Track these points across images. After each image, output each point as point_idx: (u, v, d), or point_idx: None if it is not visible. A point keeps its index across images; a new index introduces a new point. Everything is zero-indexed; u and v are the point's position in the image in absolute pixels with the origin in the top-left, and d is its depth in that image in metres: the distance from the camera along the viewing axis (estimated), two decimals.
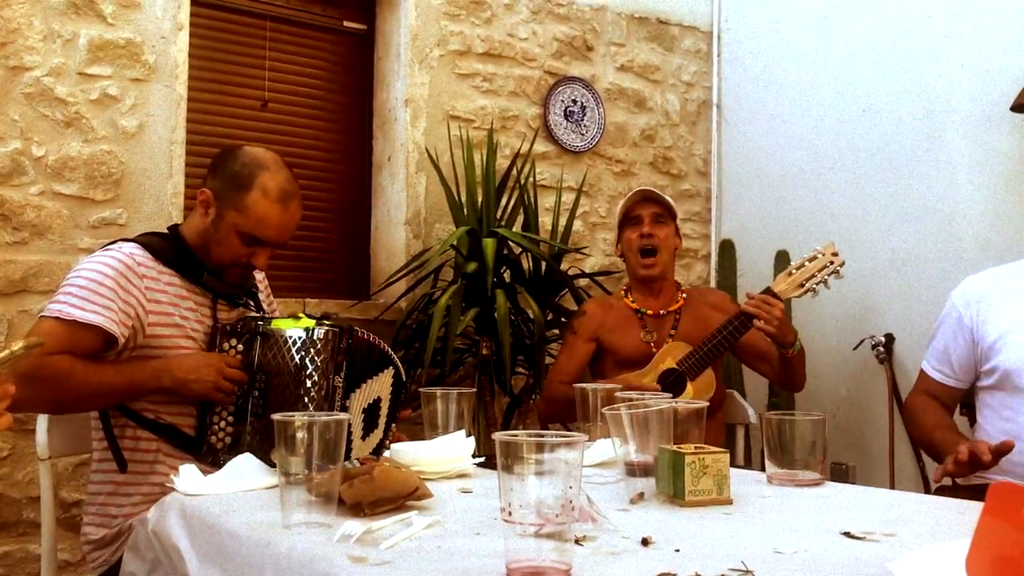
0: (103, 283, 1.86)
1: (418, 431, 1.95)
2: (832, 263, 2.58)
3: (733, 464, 2.71)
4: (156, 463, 1.92)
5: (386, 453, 1.60)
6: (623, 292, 2.87)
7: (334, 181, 3.74)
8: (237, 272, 2.02)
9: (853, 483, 3.89)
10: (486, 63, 3.90)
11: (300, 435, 1.20)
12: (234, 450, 1.86)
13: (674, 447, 1.39)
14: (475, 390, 1.83)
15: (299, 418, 1.23)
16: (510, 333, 3.21)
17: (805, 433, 1.56)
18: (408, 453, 1.60)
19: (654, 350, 2.68)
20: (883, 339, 3.78)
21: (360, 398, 1.94)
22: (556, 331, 3.39)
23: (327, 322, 1.91)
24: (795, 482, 1.57)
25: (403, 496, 1.27)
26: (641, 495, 1.40)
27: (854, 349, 3.85)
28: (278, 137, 3.56)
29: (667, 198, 2.82)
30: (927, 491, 3.62)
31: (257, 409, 1.87)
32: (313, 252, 3.67)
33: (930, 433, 2.25)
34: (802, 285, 2.57)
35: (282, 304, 3.34)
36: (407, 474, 1.30)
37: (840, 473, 3.86)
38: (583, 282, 3.65)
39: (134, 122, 3.09)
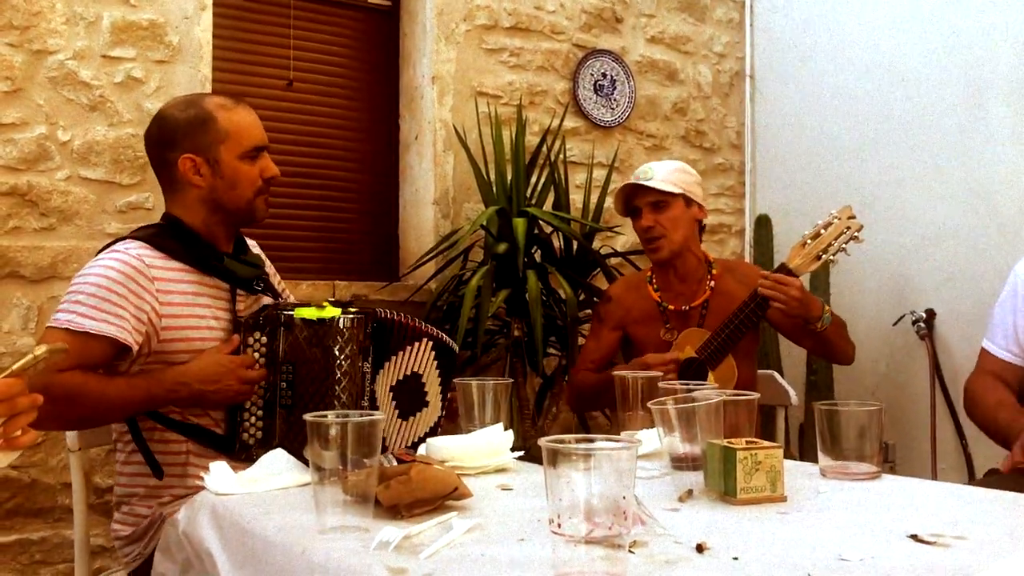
0: (113, 289, 1.78)
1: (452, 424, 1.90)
2: (849, 228, 2.37)
3: None
4: (187, 465, 1.86)
5: (422, 448, 1.55)
6: (649, 273, 2.73)
7: (361, 161, 3.68)
8: (263, 201, 1.98)
9: (893, 462, 3.85)
10: (513, 37, 3.81)
11: (333, 434, 1.15)
12: (266, 444, 1.81)
13: (724, 442, 1.32)
14: (512, 380, 1.77)
15: (332, 417, 1.18)
16: (542, 314, 3.15)
17: (860, 424, 1.48)
18: (445, 448, 1.54)
19: None
20: (924, 315, 3.70)
21: (387, 377, 1.87)
22: (588, 311, 3.32)
23: (352, 309, 1.84)
24: (850, 475, 1.49)
25: (442, 496, 1.21)
26: (690, 492, 1.33)
27: (894, 325, 3.77)
28: (304, 117, 3.51)
29: (663, 176, 2.58)
30: (970, 470, 3.54)
31: (286, 401, 1.82)
32: (341, 234, 3.62)
33: (993, 414, 2.14)
34: (818, 257, 2.37)
35: (311, 287, 3.31)
36: (445, 473, 1.25)
37: None
38: (615, 260, 3.58)
39: (159, 104, 2.99)
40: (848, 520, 1.24)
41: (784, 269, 2.41)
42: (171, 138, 1.92)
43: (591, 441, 0.91)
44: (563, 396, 3.28)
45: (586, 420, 3.41)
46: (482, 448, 1.53)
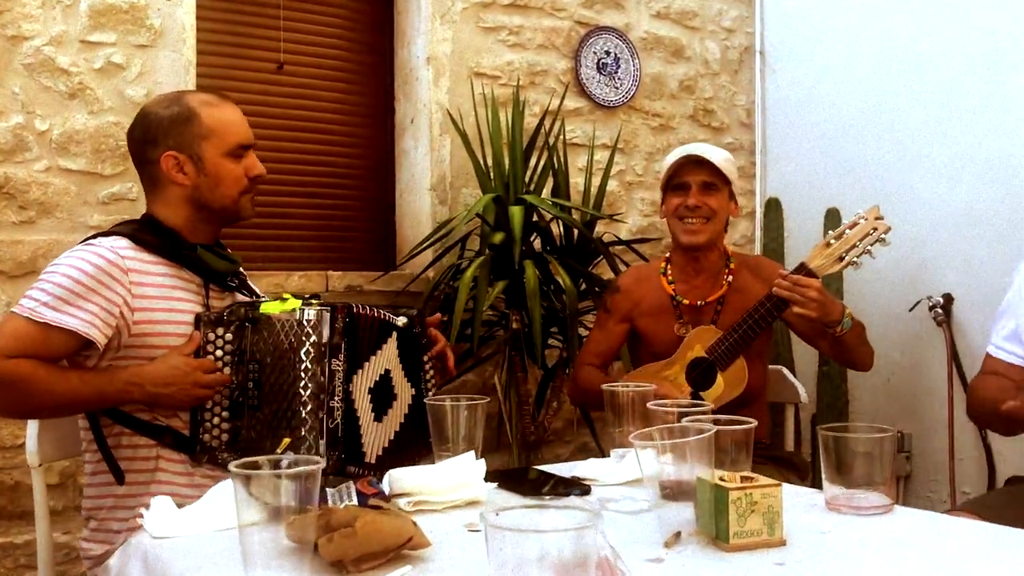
0: (81, 281, 1.73)
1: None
2: (876, 230, 2.27)
3: (783, 455, 2.52)
4: (157, 471, 1.80)
5: (385, 480, 1.43)
6: (663, 264, 2.61)
7: (355, 146, 3.55)
8: (249, 199, 1.94)
9: (908, 452, 3.71)
10: (512, 15, 3.66)
11: (266, 485, 1.02)
12: (233, 446, 1.75)
13: (716, 479, 1.19)
14: (487, 399, 1.65)
15: (265, 471, 1.04)
16: (543, 305, 3.03)
17: (870, 451, 1.34)
18: (408, 481, 1.41)
19: None
20: (941, 300, 3.55)
21: (364, 379, 1.81)
22: (590, 302, 3.20)
23: (315, 302, 1.76)
24: (858, 510, 1.36)
25: (393, 549, 1.09)
26: (678, 535, 1.20)
27: (910, 311, 3.62)
28: (295, 101, 3.38)
29: (721, 160, 2.48)
30: (989, 462, 3.42)
31: (253, 401, 1.75)
32: (335, 221, 3.50)
33: (993, 405, 2.01)
34: (841, 258, 2.27)
35: (304, 278, 3.21)
36: (398, 522, 1.11)
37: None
38: (619, 248, 3.44)
39: (141, 91, 2.93)
40: (855, 573, 1.10)
41: (803, 269, 2.29)
42: (153, 135, 1.88)
43: (544, 506, 0.77)
44: (567, 384, 3.17)
45: (589, 414, 3.29)
46: (450, 480, 1.40)
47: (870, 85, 3.82)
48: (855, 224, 2.29)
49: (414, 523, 1.12)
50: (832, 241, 2.30)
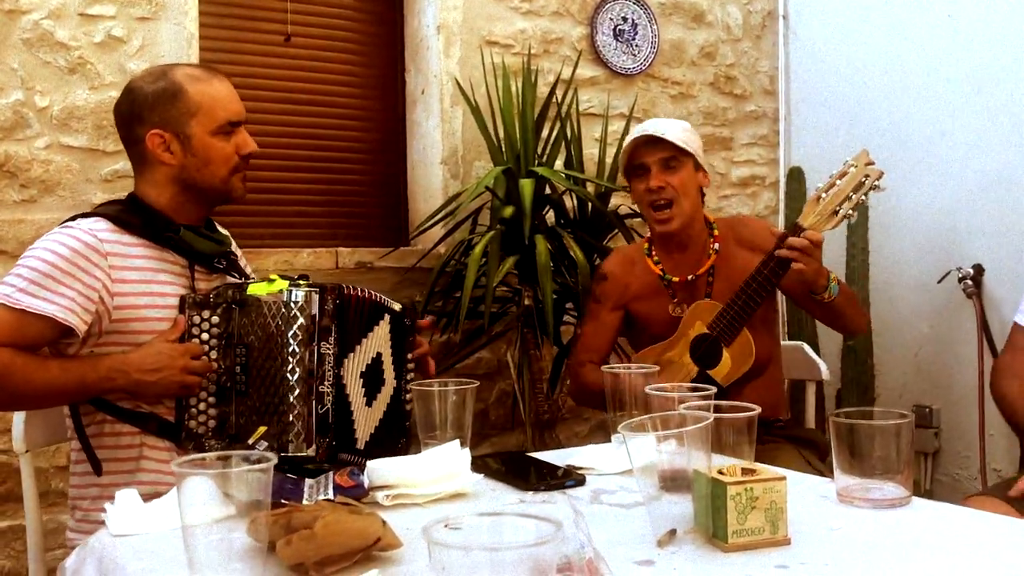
0: (58, 265, 1.67)
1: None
2: (868, 177, 2.11)
3: (802, 433, 2.42)
4: (141, 459, 1.74)
5: (364, 473, 1.35)
6: (646, 244, 2.49)
7: (366, 119, 3.46)
8: (240, 179, 1.86)
9: (937, 429, 3.61)
10: None
11: (216, 484, 0.94)
12: (220, 433, 1.70)
13: (714, 472, 1.09)
14: (476, 384, 1.57)
15: (213, 462, 0.97)
16: (556, 280, 2.94)
17: (885, 440, 1.24)
18: (388, 472, 1.32)
19: None
20: (971, 270, 3.43)
21: (356, 362, 1.75)
22: None
23: (304, 282, 1.70)
24: (872, 503, 1.26)
25: (359, 551, 1.01)
26: (672, 533, 1.11)
27: (939, 282, 3.50)
28: (303, 74, 3.30)
29: (677, 135, 2.33)
30: (1022, 439, 3.31)
31: (240, 387, 1.69)
32: (345, 197, 3.42)
33: (1012, 405, 1.94)
34: (835, 212, 2.11)
35: (313, 255, 3.14)
36: (364, 522, 1.03)
37: (923, 417, 3.56)
38: (635, 221, 3.33)
39: (143, 65, 2.85)
40: None
41: (798, 229, 2.14)
42: (139, 112, 1.81)
43: (500, 513, 0.69)
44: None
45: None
46: (433, 472, 1.31)
47: (897, 50, 3.68)
48: (844, 173, 2.14)
49: (383, 522, 1.04)
50: (823, 195, 2.15)
